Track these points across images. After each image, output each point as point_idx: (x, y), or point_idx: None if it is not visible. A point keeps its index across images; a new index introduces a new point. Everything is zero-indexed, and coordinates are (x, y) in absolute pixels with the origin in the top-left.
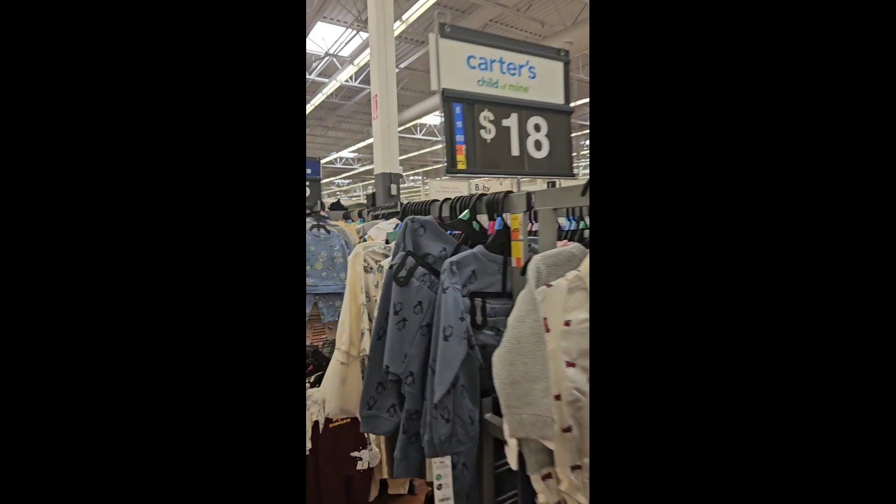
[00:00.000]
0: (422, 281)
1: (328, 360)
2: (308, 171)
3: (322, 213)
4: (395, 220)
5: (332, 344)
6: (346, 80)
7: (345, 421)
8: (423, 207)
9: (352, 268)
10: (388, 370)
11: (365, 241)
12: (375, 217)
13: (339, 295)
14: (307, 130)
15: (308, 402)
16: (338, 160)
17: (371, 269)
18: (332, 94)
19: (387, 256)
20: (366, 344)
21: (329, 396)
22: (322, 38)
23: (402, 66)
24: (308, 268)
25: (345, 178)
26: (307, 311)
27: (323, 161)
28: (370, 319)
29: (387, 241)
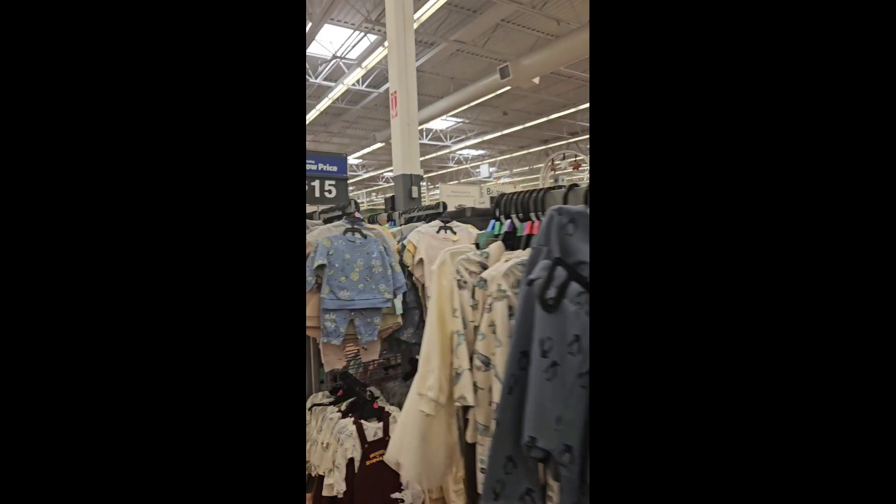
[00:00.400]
0: (578, 304)
1: (360, 382)
2: (334, 168)
3: (357, 214)
4: (437, 223)
5: (364, 365)
6: (354, 84)
7: (384, 457)
8: (534, 198)
9: (438, 282)
10: (534, 443)
11: (404, 246)
12: (410, 220)
13: (379, 310)
14: (312, 137)
15: (342, 436)
16: None
17: (465, 283)
18: (337, 98)
19: (484, 266)
20: (465, 389)
21: (406, 459)
22: (330, 41)
23: None
24: (342, 279)
25: (348, 184)
26: (342, 329)
27: None
28: (470, 356)
29: (477, 245)
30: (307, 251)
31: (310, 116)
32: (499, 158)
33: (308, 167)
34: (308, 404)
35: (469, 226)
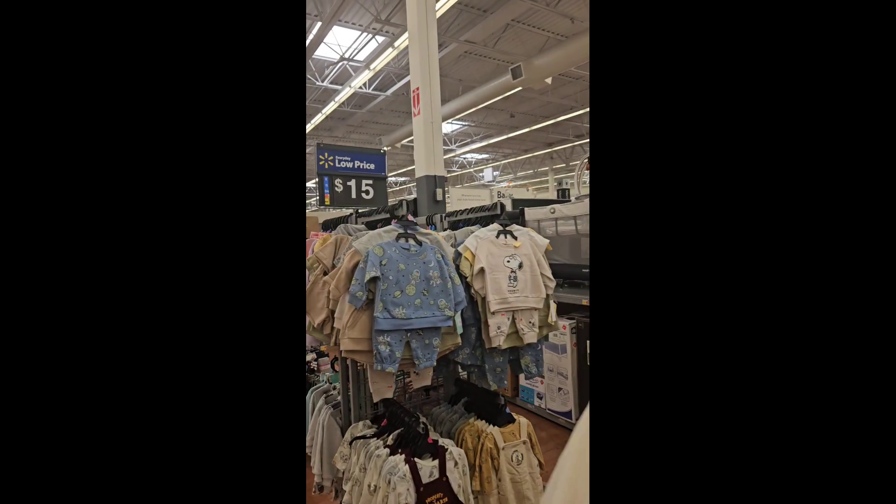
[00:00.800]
0: None
1: (412, 413)
2: (371, 166)
3: (409, 217)
4: (496, 226)
5: (403, 386)
6: (360, 87)
7: (442, 501)
8: None
9: None
10: None
11: (458, 254)
12: (455, 224)
13: (437, 330)
14: (316, 142)
15: (392, 478)
16: None
17: None
18: (343, 102)
19: None
20: None
21: None
22: (338, 44)
23: None
24: (397, 293)
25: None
26: (398, 353)
27: None
28: None
29: None
30: (355, 260)
31: (316, 120)
32: (503, 162)
33: (344, 164)
34: (347, 437)
35: (529, 229)
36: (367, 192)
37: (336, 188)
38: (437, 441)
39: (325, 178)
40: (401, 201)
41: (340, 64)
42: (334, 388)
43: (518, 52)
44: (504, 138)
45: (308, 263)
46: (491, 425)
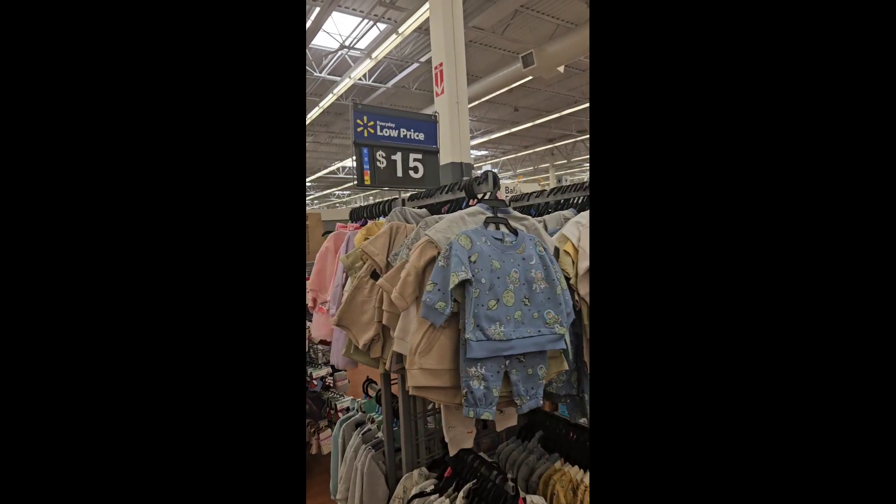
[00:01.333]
0: None
1: (490, 462)
2: (420, 136)
3: (499, 195)
4: None
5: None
6: (360, 79)
7: None
8: None
9: None
10: None
11: (556, 247)
12: (525, 209)
13: (544, 354)
14: (312, 137)
15: None
16: (340, 170)
17: None
18: (341, 95)
19: None
20: None
21: None
22: (338, 32)
23: (422, 59)
24: (492, 303)
25: (345, 188)
26: (496, 391)
27: (324, 172)
28: None
29: None
30: (429, 254)
31: (312, 114)
32: (502, 159)
33: (387, 132)
34: (399, 492)
35: None
36: (415, 170)
37: (378, 163)
38: (524, 497)
39: (365, 151)
40: (485, 172)
41: (339, 53)
42: (371, 422)
43: (527, 40)
44: (506, 133)
45: (347, 262)
46: (586, 472)
